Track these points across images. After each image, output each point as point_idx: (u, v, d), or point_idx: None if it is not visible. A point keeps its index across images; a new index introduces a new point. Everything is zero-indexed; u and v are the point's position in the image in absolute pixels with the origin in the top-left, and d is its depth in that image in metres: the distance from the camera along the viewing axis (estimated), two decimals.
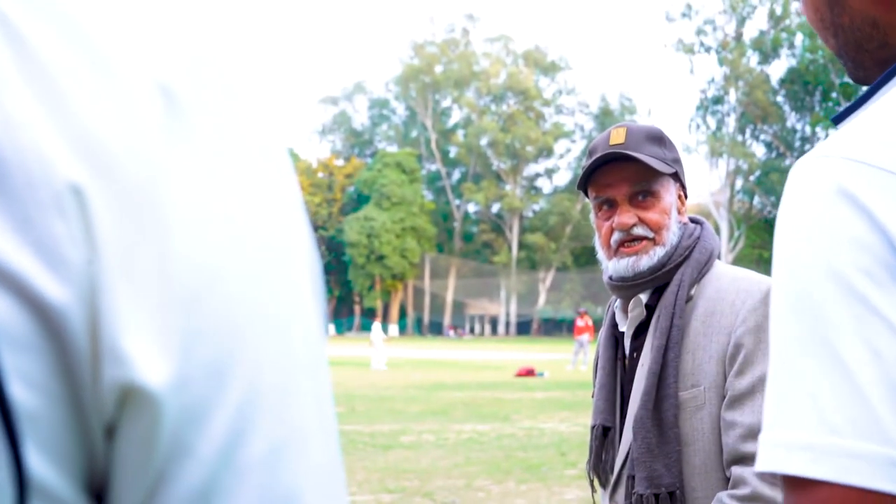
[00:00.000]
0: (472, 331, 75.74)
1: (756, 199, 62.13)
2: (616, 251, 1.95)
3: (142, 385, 0.40)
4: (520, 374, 22.80)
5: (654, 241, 1.93)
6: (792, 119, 61.22)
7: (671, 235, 1.95)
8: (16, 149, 0.39)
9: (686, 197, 2.03)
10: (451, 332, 70.53)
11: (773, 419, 0.63)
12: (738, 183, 61.02)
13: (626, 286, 1.97)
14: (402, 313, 71.09)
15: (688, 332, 1.89)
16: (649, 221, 1.93)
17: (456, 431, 11.70)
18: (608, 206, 1.96)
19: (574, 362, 26.73)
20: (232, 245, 0.43)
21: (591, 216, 2.03)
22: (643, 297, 1.97)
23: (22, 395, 0.39)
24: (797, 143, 60.99)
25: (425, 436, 11.26)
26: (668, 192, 1.96)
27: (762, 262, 58.96)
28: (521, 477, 8.44)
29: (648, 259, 1.92)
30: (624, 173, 1.93)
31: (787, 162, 58.81)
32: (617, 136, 1.93)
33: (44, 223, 0.39)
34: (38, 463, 0.39)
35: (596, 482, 2.08)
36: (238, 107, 0.45)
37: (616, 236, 1.94)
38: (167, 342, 0.41)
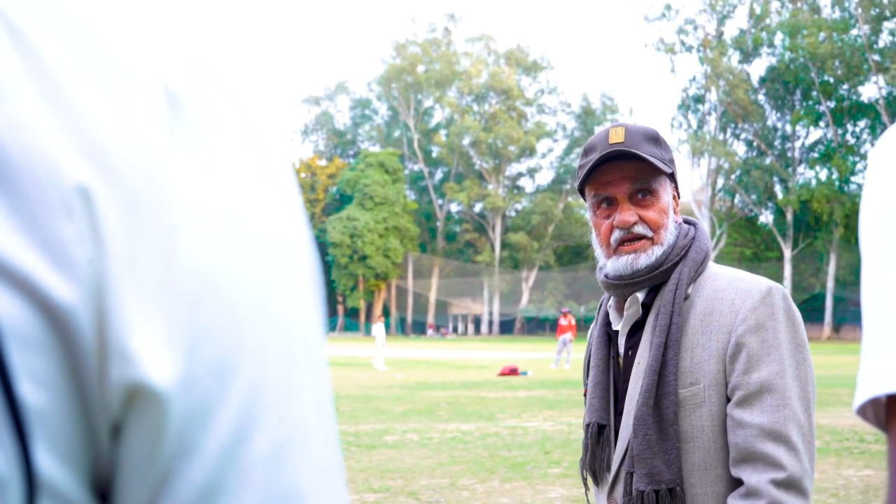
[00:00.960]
0: (455, 330, 75.73)
1: (737, 198, 62.36)
2: (616, 249, 1.95)
3: (148, 384, 0.40)
4: (503, 374, 22.68)
5: (652, 241, 1.94)
6: (773, 118, 61.49)
7: (668, 235, 1.96)
8: (23, 151, 0.39)
9: (679, 197, 2.04)
10: (431, 331, 70.54)
11: (875, 349, 0.63)
12: (720, 182, 61.24)
13: (622, 284, 1.96)
14: (386, 313, 71.01)
15: (686, 330, 1.89)
16: (649, 220, 1.93)
17: (440, 431, 11.62)
18: (607, 204, 1.95)
19: (557, 361, 26.66)
20: (234, 246, 0.43)
21: (588, 215, 2.03)
22: (640, 296, 1.97)
23: (31, 394, 0.39)
24: (777, 142, 61.22)
25: (409, 435, 11.17)
26: (666, 192, 1.97)
27: (743, 261, 59.23)
28: (506, 476, 8.41)
29: (647, 258, 1.92)
30: (624, 171, 1.92)
31: (768, 160, 59.06)
32: (616, 136, 1.92)
33: (52, 224, 0.39)
34: (47, 461, 0.40)
35: (590, 480, 2.07)
36: (240, 109, 0.46)
37: (616, 234, 1.94)
38: (173, 342, 0.41)
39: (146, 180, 0.41)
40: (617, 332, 2.04)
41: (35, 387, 0.39)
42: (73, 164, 0.40)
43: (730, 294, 1.88)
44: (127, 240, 0.40)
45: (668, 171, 1.95)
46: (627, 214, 1.92)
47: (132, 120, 0.41)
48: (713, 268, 1.99)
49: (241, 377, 0.43)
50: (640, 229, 1.93)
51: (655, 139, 1.96)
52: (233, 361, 0.43)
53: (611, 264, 1.96)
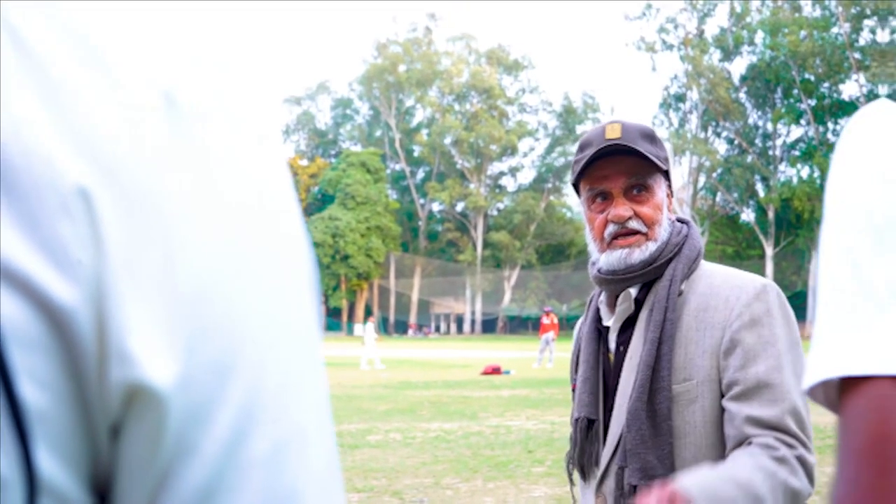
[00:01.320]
0: (437, 329, 75.75)
1: (718, 196, 62.44)
2: (609, 244, 1.95)
3: (148, 384, 0.41)
4: (486, 373, 22.70)
5: (646, 236, 1.95)
6: (754, 116, 61.50)
7: (662, 231, 1.97)
8: (24, 153, 0.39)
9: (672, 195, 2.05)
10: (412, 331, 70.55)
11: (827, 331, 0.63)
12: (701, 180, 61.37)
13: (616, 280, 1.97)
14: (368, 313, 70.85)
15: (679, 326, 1.90)
16: (643, 216, 1.94)
17: (423, 430, 11.62)
18: (602, 198, 1.96)
19: (540, 360, 26.65)
20: (233, 246, 0.44)
21: (583, 210, 2.03)
22: (633, 292, 1.98)
23: (31, 395, 0.39)
24: (759, 140, 61.29)
25: (393, 434, 11.17)
26: (661, 188, 1.98)
27: (725, 259, 59.39)
28: (489, 475, 8.41)
29: (640, 253, 1.93)
30: (620, 166, 1.93)
31: (749, 159, 59.19)
32: (612, 131, 1.93)
33: (52, 225, 0.40)
34: (48, 462, 0.40)
35: (576, 475, 2.06)
36: (238, 110, 0.46)
37: (610, 228, 1.95)
38: (172, 342, 0.41)
39: (145, 182, 0.41)
40: (607, 327, 2.04)
41: (36, 388, 0.39)
42: (73, 165, 0.40)
43: (724, 291, 1.89)
44: (126, 241, 0.41)
45: (664, 167, 1.96)
46: (622, 209, 1.93)
47: (131, 122, 0.42)
48: (706, 265, 2.00)
49: (239, 378, 0.43)
50: (634, 224, 1.94)
51: (651, 136, 1.97)
52: (232, 362, 0.43)
53: (604, 259, 1.96)
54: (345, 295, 69.85)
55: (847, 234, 0.64)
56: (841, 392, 0.62)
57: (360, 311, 70.32)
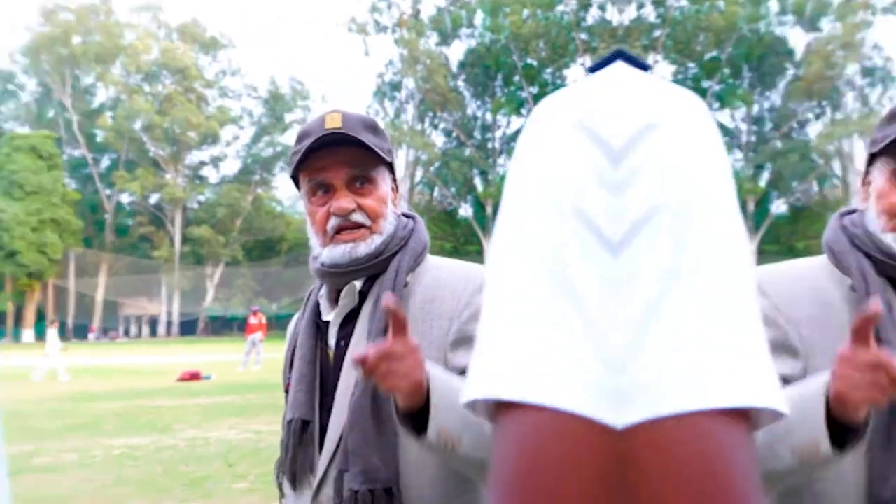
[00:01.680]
0: (126, 333, 73.68)
1: (436, 191, 63.98)
2: (333, 238, 2.00)
3: None
4: (183, 379, 22.34)
5: (370, 230, 2.01)
6: (473, 106, 62.96)
7: (388, 225, 2.03)
8: None
9: (398, 189, 2.11)
10: (93, 335, 67.95)
11: (487, 347, 0.64)
12: (419, 174, 62.60)
13: (339, 273, 2.01)
14: (41, 317, 67.08)
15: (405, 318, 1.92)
16: (367, 208, 2.00)
17: (105, 447, 11.09)
18: (324, 191, 2.00)
19: (245, 363, 26.71)
20: None
21: (304, 203, 2.06)
22: (357, 285, 2.03)
23: None
24: (477, 132, 63.04)
25: (66, 455, 10.49)
26: (385, 181, 2.04)
27: (443, 254, 60.00)
28: (183, 495, 8.10)
29: (366, 246, 1.99)
30: (341, 157, 1.98)
31: (468, 152, 60.96)
32: (332, 121, 1.98)
33: None
34: None
35: (287, 486, 2.01)
36: None
37: (333, 222, 1.99)
38: None
39: None
40: (327, 322, 2.07)
41: None
42: None
43: (452, 282, 1.97)
44: None
45: (388, 160, 2.02)
46: (345, 201, 1.98)
47: None
48: (433, 259, 2.08)
49: None
50: (358, 217, 1.99)
51: (374, 127, 2.03)
52: None
53: (327, 253, 2.00)
54: (11, 297, 65.66)
55: (513, 243, 0.64)
56: (496, 411, 0.64)
57: (29, 314, 66.48)
